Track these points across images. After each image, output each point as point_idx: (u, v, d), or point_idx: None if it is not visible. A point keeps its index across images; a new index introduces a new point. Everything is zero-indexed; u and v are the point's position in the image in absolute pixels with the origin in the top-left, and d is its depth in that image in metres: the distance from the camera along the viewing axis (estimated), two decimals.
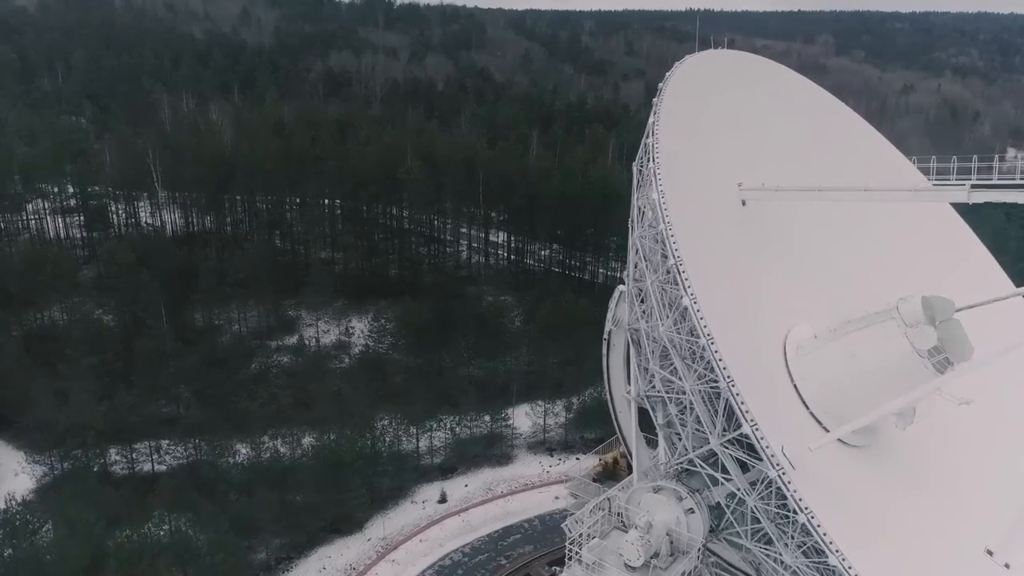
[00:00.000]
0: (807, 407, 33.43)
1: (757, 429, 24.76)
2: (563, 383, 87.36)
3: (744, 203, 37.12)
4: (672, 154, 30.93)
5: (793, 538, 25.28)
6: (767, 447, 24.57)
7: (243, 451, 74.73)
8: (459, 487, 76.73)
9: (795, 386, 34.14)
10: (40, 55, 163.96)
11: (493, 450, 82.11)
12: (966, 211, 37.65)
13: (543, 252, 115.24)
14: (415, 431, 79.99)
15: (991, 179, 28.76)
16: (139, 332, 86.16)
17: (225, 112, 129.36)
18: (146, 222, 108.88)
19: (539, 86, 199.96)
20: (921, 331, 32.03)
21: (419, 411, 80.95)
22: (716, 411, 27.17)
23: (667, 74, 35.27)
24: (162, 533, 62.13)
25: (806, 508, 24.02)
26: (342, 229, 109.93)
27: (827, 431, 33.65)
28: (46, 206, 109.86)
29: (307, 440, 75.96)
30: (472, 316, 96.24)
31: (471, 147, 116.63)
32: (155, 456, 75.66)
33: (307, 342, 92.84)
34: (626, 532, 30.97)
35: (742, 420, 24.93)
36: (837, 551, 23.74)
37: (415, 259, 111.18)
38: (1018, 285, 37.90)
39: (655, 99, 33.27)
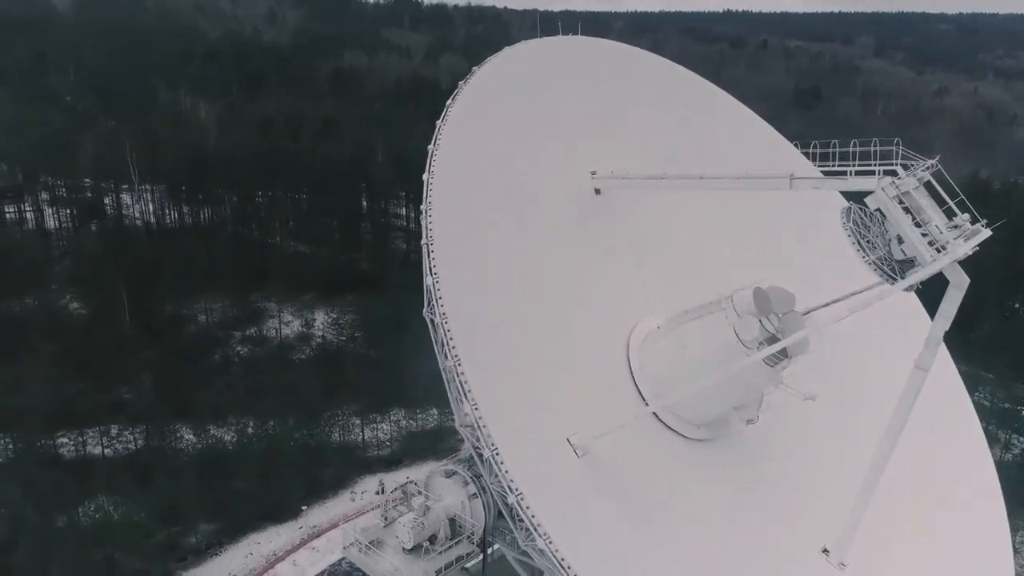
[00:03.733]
0: (643, 399, 33.08)
1: (476, 408, 24.39)
2: None
3: (598, 192, 36.62)
4: (452, 141, 30.35)
5: (522, 521, 24.88)
6: (484, 426, 24.17)
7: (187, 438, 75.99)
8: (400, 479, 76.68)
9: (633, 378, 33.76)
10: (56, 52, 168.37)
11: (441, 443, 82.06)
12: None
13: None
14: (360, 423, 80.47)
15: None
16: (104, 321, 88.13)
17: (215, 109, 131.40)
18: (121, 212, 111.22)
19: None
20: (747, 322, 31.28)
21: (369, 403, 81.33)
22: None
23: (487, 58, 34.97)
24: (90, 516, 63.61)
25: (516, 489, 23.58)
26: (314, 223, 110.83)
27: (668, 425, 33.38)
28: (42, 197, 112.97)
29: (250, 430, 76.93)
30: None
31: None
32: (103, 441, 77.22)
33: (266, 333, 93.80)
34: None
35: (463, 399, 24.62)
36: (544, 534, 23.24)
37: (389, 254, 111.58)
38: None
39: (461, 82, 32.91)
